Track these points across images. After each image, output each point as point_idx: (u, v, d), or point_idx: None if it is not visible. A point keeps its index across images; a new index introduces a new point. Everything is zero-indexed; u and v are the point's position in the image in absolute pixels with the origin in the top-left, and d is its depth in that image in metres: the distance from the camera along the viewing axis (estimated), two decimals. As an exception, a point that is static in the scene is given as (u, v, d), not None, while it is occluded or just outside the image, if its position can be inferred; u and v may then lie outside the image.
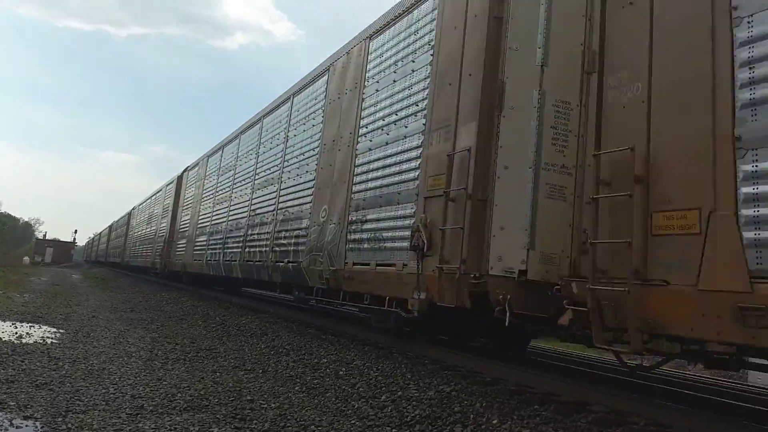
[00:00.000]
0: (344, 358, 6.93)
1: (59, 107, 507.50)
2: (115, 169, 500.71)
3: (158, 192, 28.42)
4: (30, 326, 8.65)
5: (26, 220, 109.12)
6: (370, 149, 7.88)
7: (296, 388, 5.53)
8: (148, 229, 28.98)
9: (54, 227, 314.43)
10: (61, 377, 5.25)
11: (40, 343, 7.09)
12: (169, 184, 25.37)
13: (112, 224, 54.90)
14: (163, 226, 23.94)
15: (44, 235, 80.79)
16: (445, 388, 5.26)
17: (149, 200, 31.02)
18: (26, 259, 56.31)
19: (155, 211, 27.71)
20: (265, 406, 4.77)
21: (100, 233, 74.43)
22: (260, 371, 6.24)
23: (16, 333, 7.72)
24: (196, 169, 20.90)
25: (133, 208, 37.82)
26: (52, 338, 7.59)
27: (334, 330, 9.30)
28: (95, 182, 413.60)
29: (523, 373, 5.78)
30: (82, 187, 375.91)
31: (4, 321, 8.92)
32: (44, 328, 8.65)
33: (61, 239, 76.09)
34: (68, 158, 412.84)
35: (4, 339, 7.07)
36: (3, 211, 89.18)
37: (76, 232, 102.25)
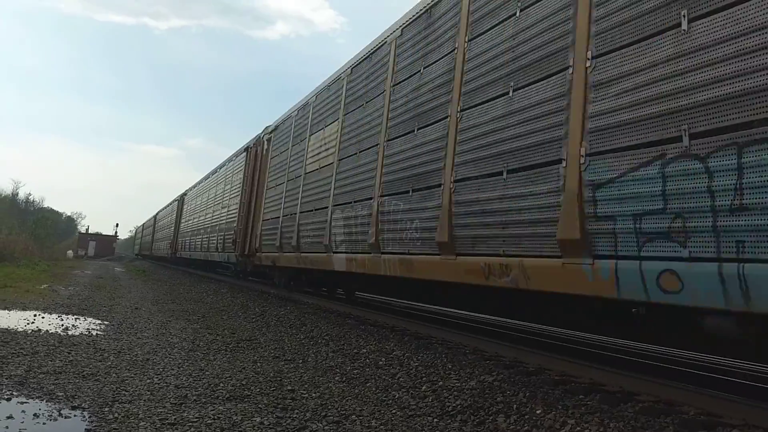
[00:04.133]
0: (383, 348, 6.91)
1: (98, 101, 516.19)
2: (154, 163, 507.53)
3: (170, 204, 41.04)
4: (75, 318, 8.85)
5: (69, 214, 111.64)
6: None
7: (336, 378, 5.53)
8: (163, 231, 42.73)
9: (95, 221, 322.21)
10: (107, 368, 5.34)
11: (85, 334, 7.24)
12: (175, 201, 37.33)
13: (144, 223, 60.88)
14: (171, 228, 36.64)
15: (87, 229, 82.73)
16: (487, 378, 5.20)
17: (166, 209, 43.82)
18: (70, 252, 57.85)
19: (167, 218, 40.66)
20: (306, 395, 4.77)
21: (136, 229, 76.92)
22: (300, 361, 6.26)
23: (63, 325, 7.90)
24: (192, 191, 31.72)
25: (157, 213, 50.65)
26: (97, 330, 7.74)
27: (373, 320, 9.29)
28: (135, 176, 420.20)
29: (567, 363, 5.69)
30: (121, 181, 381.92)
31: (51, 314, 9.14)
32: (89, 320, 8.84)
33: (103, 233, 77.87)
34: (107, 152, 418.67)
35: (51, 331, 7.24)
36: (46, 206, 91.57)
37: (117, 225, 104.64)
